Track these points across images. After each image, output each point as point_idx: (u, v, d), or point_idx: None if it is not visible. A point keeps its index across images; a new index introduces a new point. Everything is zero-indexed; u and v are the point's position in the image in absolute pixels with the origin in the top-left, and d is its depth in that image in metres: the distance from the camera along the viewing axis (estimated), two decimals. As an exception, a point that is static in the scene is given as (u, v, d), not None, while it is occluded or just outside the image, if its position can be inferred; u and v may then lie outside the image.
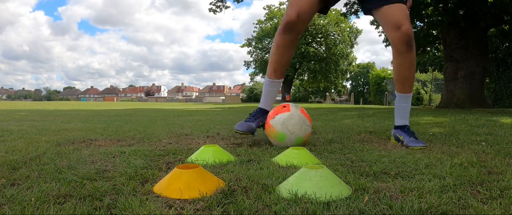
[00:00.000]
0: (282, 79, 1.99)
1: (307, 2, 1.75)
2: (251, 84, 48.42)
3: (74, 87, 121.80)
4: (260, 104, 1.98)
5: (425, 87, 17.38)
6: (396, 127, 1.88)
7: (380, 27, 10.22)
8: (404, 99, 1.88)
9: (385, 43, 10.52)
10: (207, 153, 1.32)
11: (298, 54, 31.24)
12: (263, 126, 1.89)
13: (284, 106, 1.76)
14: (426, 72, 19.63)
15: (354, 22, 34.27)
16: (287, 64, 1.95)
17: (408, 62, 1.75)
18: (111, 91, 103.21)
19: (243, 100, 49.63)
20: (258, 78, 37.33)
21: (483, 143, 1.78)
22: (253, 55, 34.36)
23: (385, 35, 10.47)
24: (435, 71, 18.51)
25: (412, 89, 1.88)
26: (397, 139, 1.84)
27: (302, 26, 1.82)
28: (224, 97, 55.58)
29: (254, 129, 1.84)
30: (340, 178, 0.95)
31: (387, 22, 1.73)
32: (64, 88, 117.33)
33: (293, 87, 40.03)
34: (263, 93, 2.01)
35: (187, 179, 0.88)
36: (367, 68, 48.41)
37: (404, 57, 1.73)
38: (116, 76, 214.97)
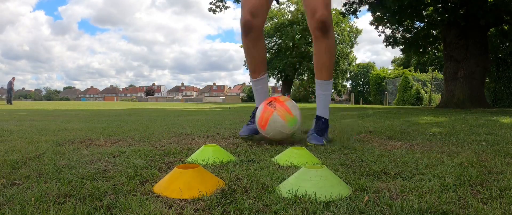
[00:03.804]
0: (265, 74, 2.02)
1: None
2: (251, 84, 48.35)
3: (74, 87, 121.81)
4: (257, 104, 2.01)
5: (425, 87, 17.37)
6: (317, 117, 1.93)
7: (380, 27, 10.23)
8: (322, 86, 1.90)
9: (385, 43, 10.52)
10: (207, 153, 1.32)
11: (298, 54, 31.24)
12: None
13: (281, 97, 1.82)
14: (426, 72, 19.64)
15: (354, 22, 34.19)
16: (263, 59, 1.98)
17: (323, 47, 1.80)
18: (111, 91, 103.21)
19: (243, 100, 49.59)
20: (258, 78, 37.30)
21: (483, 143, 1.78)
22: (253, 55, 34.30)
23: (384, 35, 10.48)
24: (435, 71, 18.52)
25: (331, 77, 1.89)
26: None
27: (260, 21, 1.86)
28: (224, 97, 55.56)
29: (257, 129, 1.86)
30: (340, 178, 0.95)
31: (306, 8, 1.80)
32: (64, 88, 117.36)
33: (293, 87, 40.03)
34: (254, 94, 2.07)
35: (187, 179, 0.88)
36: (367, 68, 48.39)
37: (320, 42, 1.79)
38: (116, 76, 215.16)
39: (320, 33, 1.76)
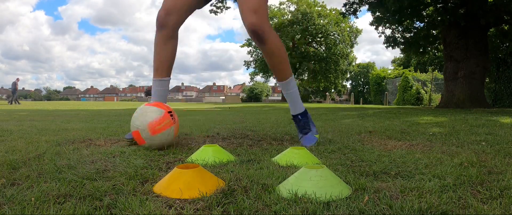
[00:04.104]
0: (168, 78, 1.90)
1: None
2: (251, 84, 48.42)
3: (74, 87, 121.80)
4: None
5: (425, 87, 17.37)
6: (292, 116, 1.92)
7: (380, 27, 10.22)
8: (282, 87, 1.90)
9: (385, 45, 10.52)
10: (207, 153, 1.32)
11: (298, 54, 31.24)
12: None
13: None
14: (426, 72, 19.63)
15: (354, 22, 34.16)
16: (169, 61, 1.87)
17: (265, 52, 1.78)
18: (111, 91, 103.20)
19: (243, 100, 49.62)
20: (258, 78, 37.33)
21: (483, 143, 1.78)
22: (253, 55, 34.34)
23: (385, 36, 10.47)
24: (435, 71, 18.51)
25: (286, 76, 1.86)
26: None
27: (174, 20, 1.79)
28: (224, 97, 55.55)
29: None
30: (340, 178, 0.95)
31: (241, 12, 1.71)
32: (64, 88, 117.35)
33: (293, 87, 39.96)
34: (152, 93, 1.92)
35: (187, 179, 0.88)
36: (367, 68, 48.36)
37: (260, 48, 1.76)
38: (116, 76, 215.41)
39: (255, 40, 1.72)
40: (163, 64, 1.86)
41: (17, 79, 18.26)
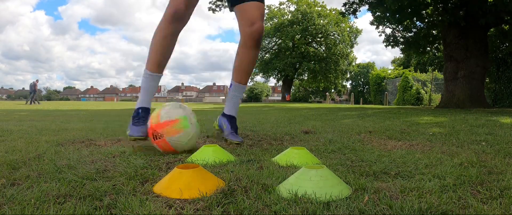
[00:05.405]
0: (162, 74, 1.85)
1: None
2: (251, 84, 48.43)
3: (74, 87, 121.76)
4: (143, 104, 1.79)
5: (425, 87, 17.37)
6: (224, 115, 1.94)
7: (381, 27, 10.21)
8: (240, 89, 1.95)
9: (385, 44, 10.51)
10: (207, 153, 1.32)
11: (298, 54, 31.23)
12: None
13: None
14: (426, 72, 19.62)
15: (354, 22, 34.14)
16: (169, 58, 1.84)
17: (252, 57, 1.87)
18: (111, 91, 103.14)
19: (243, 100, 49.54)
20: (258, 78, 37.31)
21: (483, 143, 1.78)
22: (253, 55, 34.27)
23: (385, 35, 10.46)
24: (435, 71, 18.48)
25: (248, 81, 1.98)
26: (221, 127, 1.93)
27: (188, 16, 1.79)
28: (224, 97, 55.52)
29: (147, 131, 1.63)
30: (340, 178, 0.95)
31: (243, 17, 1.81)
32: (64, 88, 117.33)
33: (293, 87, 40.04)
34: (144, 90, 1.82)
35: (187, 179, 0.88)
36: (367, 68, 48.35)
37: (251, 52, 1.84)
38: (116, 76, 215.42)
39: (254, 44, 1.81)
40: (166, 60, 1.83)
41: (37, 80, 18.84)
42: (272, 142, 1.86)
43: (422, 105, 15.45)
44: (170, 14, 1.72)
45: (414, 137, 2.10)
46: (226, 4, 2.12)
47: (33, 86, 18.31)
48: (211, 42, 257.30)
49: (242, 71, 1.91)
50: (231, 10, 1.93)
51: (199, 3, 1.84)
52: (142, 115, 1.73)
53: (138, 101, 1.83)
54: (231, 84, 1.96)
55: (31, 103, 16.92)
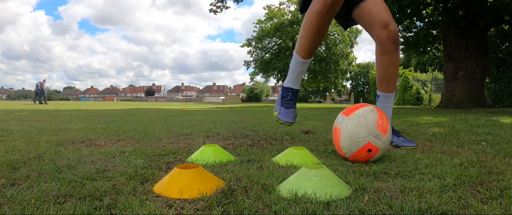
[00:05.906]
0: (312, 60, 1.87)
1: None
2: (251, 84, 48.40)
3: (74, 87, 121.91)
4: (294, 85, 1.81)
5: (425, 87, 17.37)
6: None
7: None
8: (389, 99, 1.82)
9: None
10: (207, 153, 1.32)
11: (298, 54, 31.18)
12: None
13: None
14: (426, 72, 19.62)
15: (354, 22, 34.09)
16: (320, 44, 1.85)
17: (396, 60, 1.74)
18: (111, 91, 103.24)
19: (243, 100, 49.63)
20: (258, 78, 37.28)
21: (483, 143, 1.78)
22: (253, 55, 34.31)
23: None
24: (435, 71, 18.49)
25: (395, 88, 1.83)
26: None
27: (338, 8, 1.70)
28: (224, 97, 55.59)
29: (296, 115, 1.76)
30: (340, 178, 0.95)
31: (372, 19, 1.68)
32: (64, 88, 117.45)
33: (293, 87, 39.96)
34: (295, 74, 1.81)
35: (187, 179, 0.88)
36: (367, 68, 48.36)
37: (393, 56, 1.71)
38: (116, 76, 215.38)
39: (394, 47, 1.68)
40: (317, 46, 1.79)
41: (44, 80, 18.85)
42: (272, 142, 1.86)
43: (422, 105, 15.46)
44: (329, 4, 1.62)
45: (414, 137, 2.10)
46: (340, 20, 1.90)
47: (40, 85, 18.35)
48: (211, 42, 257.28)
49: (388, 79, 1.78)
50: (348, 23, 1.83)
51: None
52: (291, 97, 1.79)
53: (287, 80, 1.83)
54: (378, 96, 1.83)
55: (40, 103, 16.97)
